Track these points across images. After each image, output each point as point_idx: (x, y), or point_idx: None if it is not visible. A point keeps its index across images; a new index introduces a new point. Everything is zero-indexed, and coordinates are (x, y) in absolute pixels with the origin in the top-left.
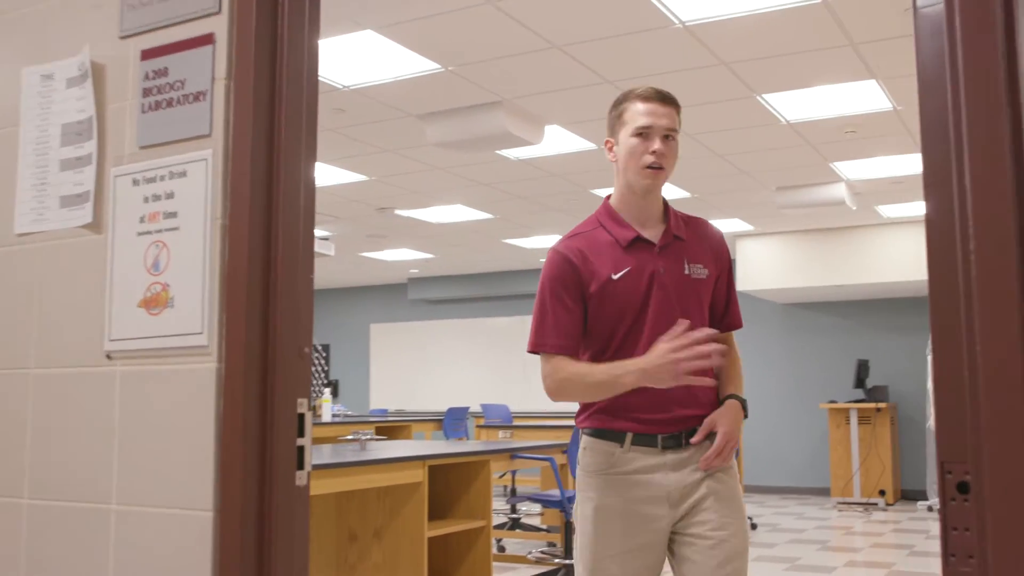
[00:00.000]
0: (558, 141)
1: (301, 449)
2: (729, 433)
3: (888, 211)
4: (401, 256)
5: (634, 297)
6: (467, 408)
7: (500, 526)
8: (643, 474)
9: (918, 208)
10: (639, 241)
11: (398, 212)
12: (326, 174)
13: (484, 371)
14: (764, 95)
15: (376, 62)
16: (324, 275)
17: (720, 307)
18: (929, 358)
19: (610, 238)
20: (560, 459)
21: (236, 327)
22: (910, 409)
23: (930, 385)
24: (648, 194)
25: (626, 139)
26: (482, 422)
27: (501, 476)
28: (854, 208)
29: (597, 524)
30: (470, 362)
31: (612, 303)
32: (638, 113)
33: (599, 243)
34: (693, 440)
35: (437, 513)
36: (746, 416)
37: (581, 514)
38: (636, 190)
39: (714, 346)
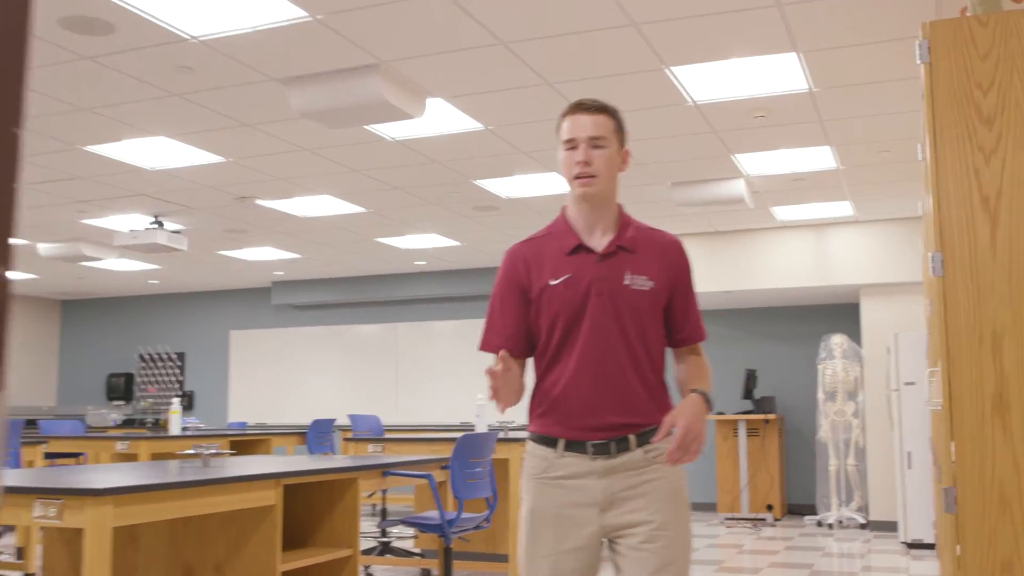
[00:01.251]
0: (441, 118)
1: None
2: (689, 426)
3: (784, 213)
4: (264, 256)
5: (571, 305)
6: (333, 420)
7: (368, 551)
8: (573, 479)
9: (814, 210)
10: (581, 249)
11: (259, 202)
12: (175, 153)
13: (354, 382)
14: (674, 67)
15: (232, 5)
16: (180, 277)
17: (678, 320)
18: (820, 367)
19: (557, 245)
20: (439, 476)
21: None
22: (797, 421)
23: (820, 395)
24: (594, 204)
25: (560, 154)
26: (350, 435)
27: (370, 495)
28: (752, 207)
29: (531, 527)
30: (339, 372)
31: (549, 309)
32: (565, 128)
33: (546, 249)
34: (654, 439)
35: (294, 541)
36: (710, 410)
37: (520, 516)
38: (580, 200)
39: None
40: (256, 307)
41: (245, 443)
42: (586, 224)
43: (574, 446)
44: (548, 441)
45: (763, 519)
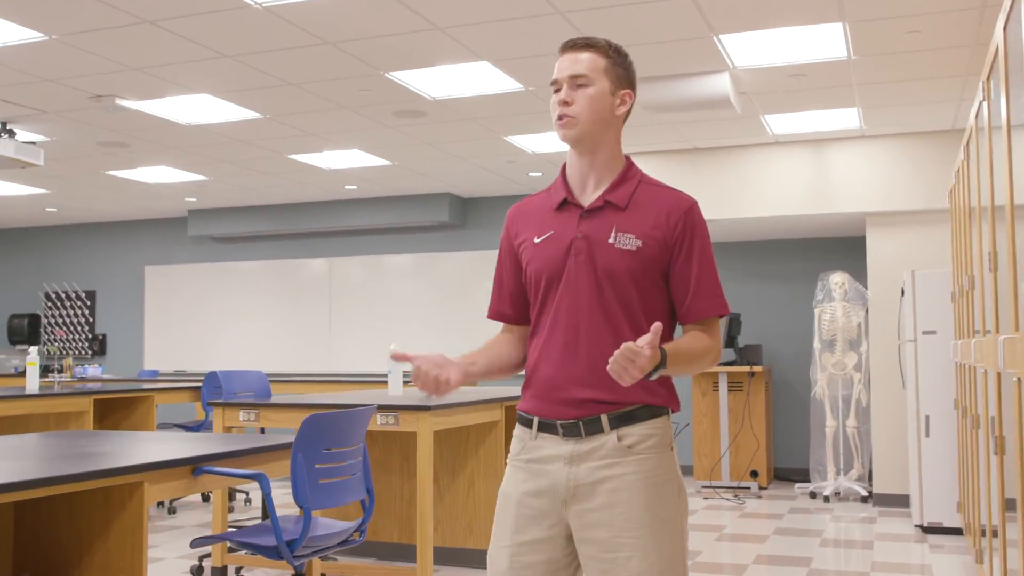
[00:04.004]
0: None
1: None
2: (636, 350)
3: (778, 124)
4: (162, 177)
5: (552, 263)
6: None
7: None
8: (540, 463)
9: (815, 121)
10: (568, 204)
11: (122, 103)
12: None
13: (284, 325)
14: None
15: None
16: (77, 204)
17: (680, 291)
18: (816, 311)
19: (548, 201)
20: (276, 470)
21: None
22: (788, 373)
23: (816, 344)
24: (581, 151)
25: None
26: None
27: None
28: (740, 113)
29: (498, 512)
30: (266, 313)
31: (532, 268)
32: (554, 71)
33: (537, 206)
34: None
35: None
36: (660, 367)
37: None
38: (572, 150)
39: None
40: (172, 239)
41: (121, 402)
42: (579, 176)
43: (547, 427)
44: (525, 420)
45: (747, 488)
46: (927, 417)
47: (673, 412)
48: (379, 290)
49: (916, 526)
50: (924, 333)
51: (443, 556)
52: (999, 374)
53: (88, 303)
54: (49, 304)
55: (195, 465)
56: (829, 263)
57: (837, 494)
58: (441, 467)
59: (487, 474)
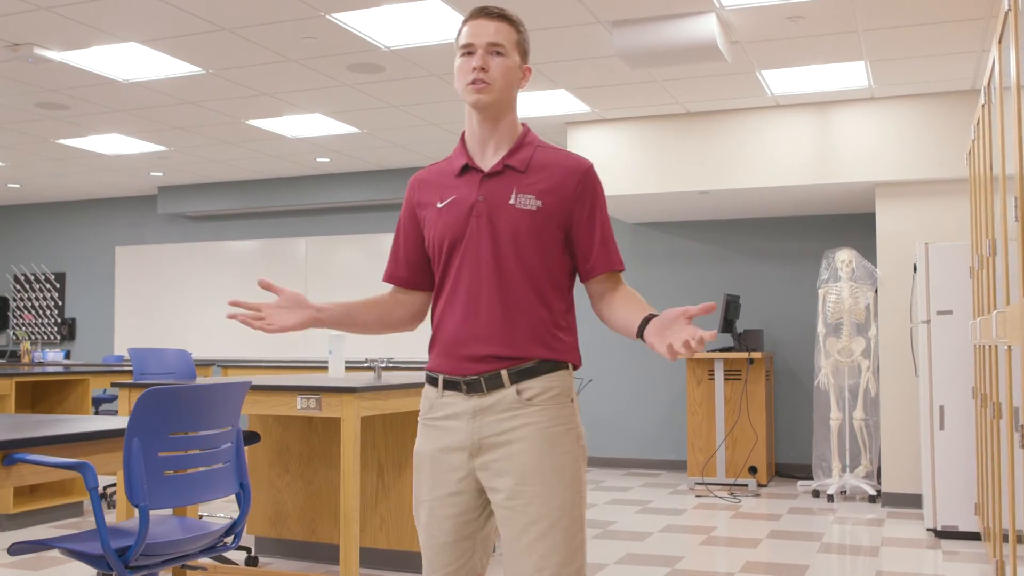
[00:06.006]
0: None
1: None
2: (697, 337)
3: (778, 82)
4: (119, 147)
5: (452, 228)
6: (190, 354)
7: None
8: (448, 420)
9: (818, 78)
10: (469, 169)
11: (43, 52)
12: None
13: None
14: None
15: None
16: (35, 179)
17: (583, 249)
18: (820, 292)
19: (449, 167)
20: (105, 461)
21: None
22: (790, 360)
23: (820, 329)
24: (487, 116)
25: (456, 61)
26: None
27: None
28: (729, 60)
29: (415, 471)
30: (241, 296)
31: (435, 231)
32: (463, 33)
33: (440, 172)
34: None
35: None
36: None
37: None
38: (473, 114)
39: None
40: (142, 218)
41: (55, 386)
42: (480, 142)
43: (451, 384)
44: (432, 380)
45: (744, 485)
46: (941, 408)
47: (575, 367)
48: (358, 271)
49: (928, 530)
50: (939, 313)
51: (387, 560)
52: None
53: (57, 285)
54: (17, 287)
55: (6, 452)
56: (835, 241)
57: (842, 493)
58: (387, 460)
59: None
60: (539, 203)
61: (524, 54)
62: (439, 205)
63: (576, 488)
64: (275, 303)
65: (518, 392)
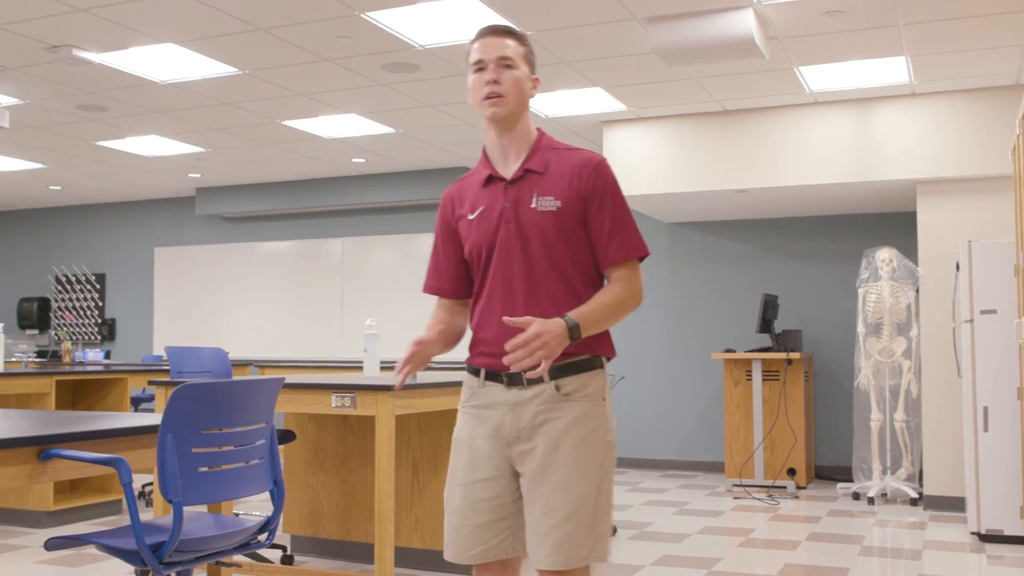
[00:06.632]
0: None
1: None
2: (541, 332)
3: (816, 79)
4: (158, 148)
5: (486, 236)
6: (227, 353)
7: None
8: (487, 409)
9: (857, 74)
10: (493, 179)
11: (82, 54)
12: None
13: (296, 308)
14: None
15: None
16: (78, 181)
17: (599, 240)
18: (860, 292)
19: (476, 179)
20: (140, 458)
21: None
22: (829, 361)
23: (860, 328)
24: (503, 128)
25: (469, 79)
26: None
27: None
28: (767, 56)
29: (452, 455)
30: (278, 296)
31: (471, 242)
32: (473, 51)
33: (470, 184)
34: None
35: None
36: (573, 340)
37: None
38: (490, 126)
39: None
40: (180, 219)
41: (93, 385)
42: (500, 152)
43: (493, 376)
44: (473, 371)
45: (782, 487)
46: (985, 409)
47: (609, 359)
48: (393, 271)
49: (972, 533)
50: (982, 312)
51: (423, 559)
52: None
53: (98, 286)
54: (59, 287)
55: (42, 447)
56: (874, 240)
57: (883, 496)
58: (422, 459)
59: None
60: (558, 203)
61: (532, 65)
62: (470, 217)
63: (599, 482)
64: (416, 363)
65: (556, 387)
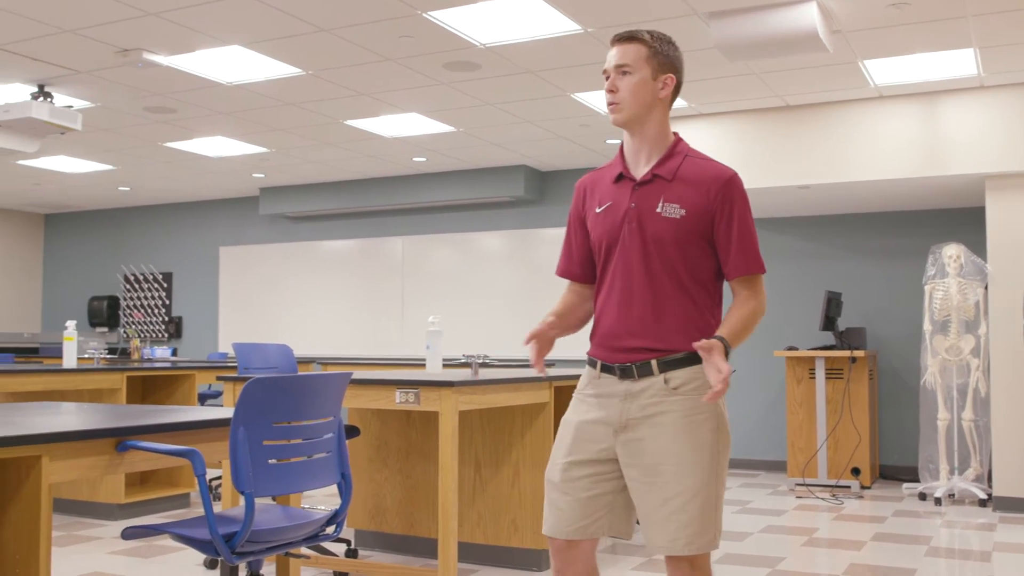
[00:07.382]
0: None
1: None
2: (724, 369)
3: (881, 72)
4: (223, 149)
5: (608, 232)
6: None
7: None
8: (599, 398)
9: (923, 67)
10: (624, 178)
11: (151, 57)
12: None
13: (358, 306)
14: None
15: None
16: (146, 181)
17: (722, 252)
18: (927, 289)
19: (609, 174)
20: (211, 451)
21: None
22: (895, 359)
23: (927, 326)
24: (631, 132)
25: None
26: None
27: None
28: (831, 50)
29: (559, 435)
30: (341, 294)
31: (595, 234)
32: (606, 61)
33: (603, 177)
34: (696, 345)
35: None
36: (728, 351)
37: None
38: (625, 130)
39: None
40: (245, 219)
41: (163, 381)
42: (633, 153)
43: (607, 368)
44: (591, 362)
45: (846, 487)
46: None
47: None
48: (453, 270)
49: None
50: None
51: (485, 555)
52: None
53: (165, 285)
54: (128, 286)
55: (119, 439)
56: (941, 236)
57: (951, 496)
58: (485, 456)
59: (534, 463)
60: (683, 211)
61: (660, 65)
62: (597, 210)
63: (713, 470)
64: (542, 344)
65: (665, 380)
